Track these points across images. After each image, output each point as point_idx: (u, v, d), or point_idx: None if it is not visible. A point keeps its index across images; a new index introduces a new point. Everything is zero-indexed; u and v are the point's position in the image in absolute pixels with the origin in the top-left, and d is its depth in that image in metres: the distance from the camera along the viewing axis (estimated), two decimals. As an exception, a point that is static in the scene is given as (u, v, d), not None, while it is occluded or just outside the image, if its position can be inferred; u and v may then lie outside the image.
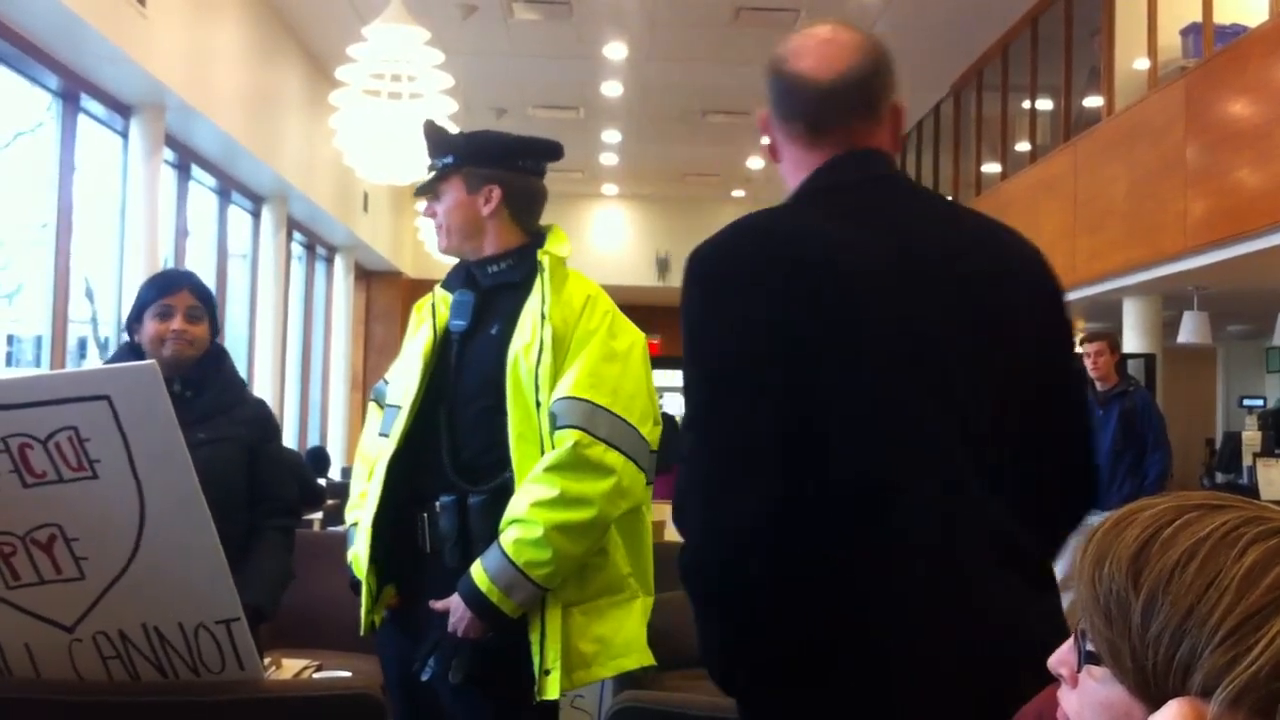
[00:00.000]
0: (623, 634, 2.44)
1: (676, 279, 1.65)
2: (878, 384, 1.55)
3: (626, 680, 2.97)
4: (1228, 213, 7.04)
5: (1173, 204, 7.65)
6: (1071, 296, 9.01)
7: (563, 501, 2.31)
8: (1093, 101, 9.69)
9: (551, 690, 2.34)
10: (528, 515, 2.31)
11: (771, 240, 1.62)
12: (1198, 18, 7.80)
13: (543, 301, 2.42)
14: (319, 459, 9.59)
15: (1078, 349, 6.72)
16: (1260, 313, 9.79)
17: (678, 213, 16.66)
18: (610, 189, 16.74)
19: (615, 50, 10.83)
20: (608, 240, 16.65)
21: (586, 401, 2.34)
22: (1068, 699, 0.92)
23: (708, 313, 1.60)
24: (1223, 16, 7.67)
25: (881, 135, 1.72)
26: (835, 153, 1.70)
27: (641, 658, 2.47)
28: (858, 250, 1.59)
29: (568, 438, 2.32)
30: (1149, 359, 9.46)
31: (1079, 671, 0.91)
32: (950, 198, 7.89)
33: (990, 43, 10.96)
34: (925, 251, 1.63)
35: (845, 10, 9.27)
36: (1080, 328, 9.13)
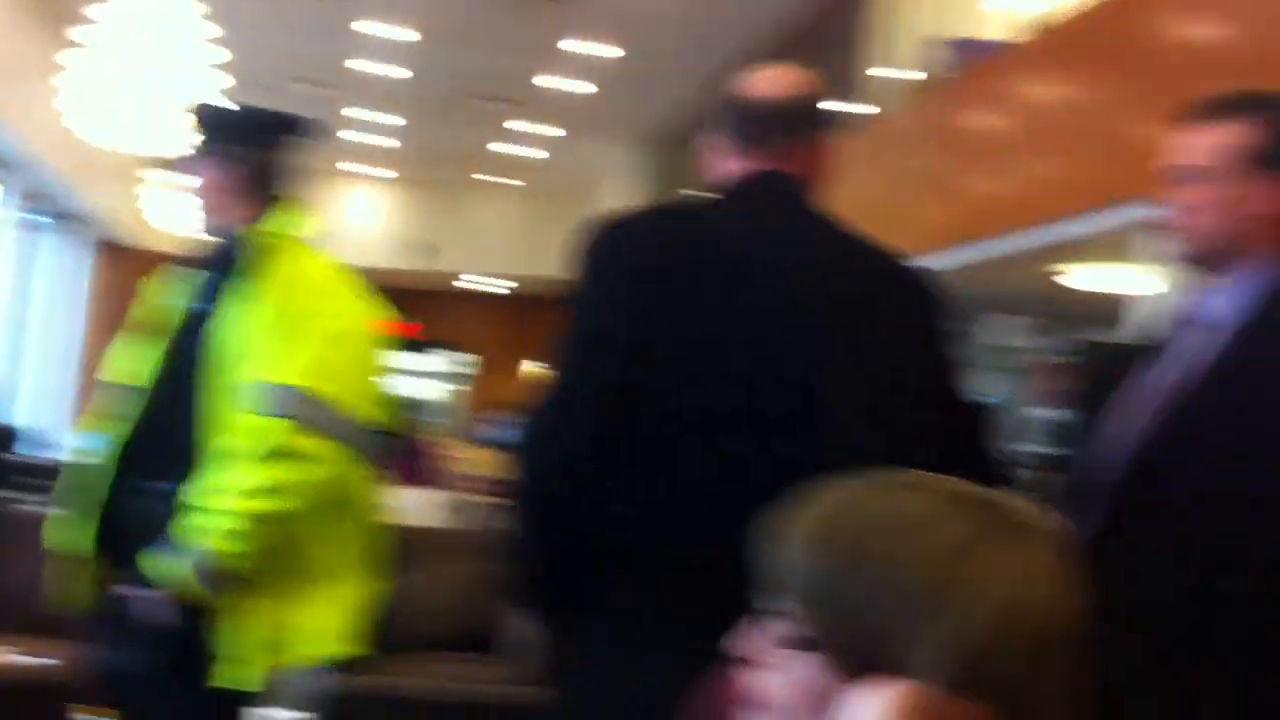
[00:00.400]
0: (322, 620, 2.39)
1: (441, 263, 1.70)
2: (741, 375, 1.73)
3: (342, 665, 2.91)
4: (961, 218, 7.39)
5: (915, 209, 7.99)
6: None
7: (266, 490, 2.25)
8: (844, 109, 10.02)
9: (241, 677, 2.29)
10: (227, 503, 2.25)
11: (651, 234, 1.83)
12: (945, 32, 8.16)
13: (259, 281, 2.36)
14: (9, 436, 9.16)
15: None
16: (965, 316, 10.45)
17: (444, 198, 16.48)
18: (375, 170, 16.39)
19: (384, 30, 10.60)
20: (369, 221, 16.25)
21: (297, 387, 2.28)
22: (764, 682, 0.91)
23: (583, 290, 1.79)
24: (969, 32, 8.04)
25: (800, 161, 1.88)
26: (753, 168, 1.87)
27: (345, 645, 2.43)
28: (732, 247, 1.79)
29: (273, 425, 2.27)
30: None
31: (774, 652, 0.91)
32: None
33: (737, 52, 11.07)
34: (795, 257, 1.81)
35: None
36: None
